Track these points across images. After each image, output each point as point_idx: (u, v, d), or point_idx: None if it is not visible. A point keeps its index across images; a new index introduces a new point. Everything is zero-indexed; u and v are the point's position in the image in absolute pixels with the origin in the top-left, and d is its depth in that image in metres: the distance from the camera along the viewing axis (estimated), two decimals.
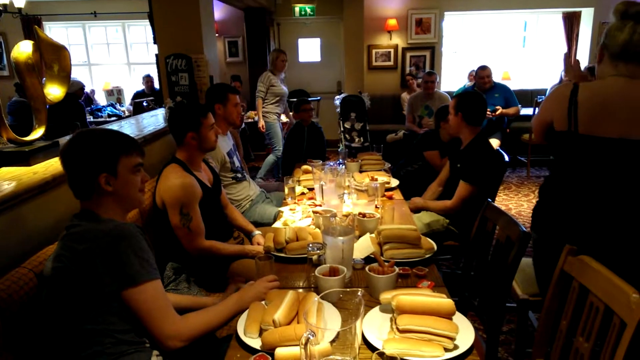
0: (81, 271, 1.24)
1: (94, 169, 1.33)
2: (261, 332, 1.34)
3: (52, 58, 2.05)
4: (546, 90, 6.85)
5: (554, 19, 7.69)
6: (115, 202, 1.38)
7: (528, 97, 6.70)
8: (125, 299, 1.25)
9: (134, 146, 1.42)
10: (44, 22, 8.01)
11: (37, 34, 1.99)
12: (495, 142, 4.86)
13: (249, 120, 6.41)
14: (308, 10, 6.73)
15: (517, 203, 4.92)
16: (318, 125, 4.45)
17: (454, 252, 2.86)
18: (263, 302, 1.50)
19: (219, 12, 7.58)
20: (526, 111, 5.86)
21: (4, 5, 5.83)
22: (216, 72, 4.16)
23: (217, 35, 6.91)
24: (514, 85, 6.39)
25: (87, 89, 7.78)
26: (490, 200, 2.12)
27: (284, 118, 5.46)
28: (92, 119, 6.66)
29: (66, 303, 1.26)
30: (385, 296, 1.44)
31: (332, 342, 1.20)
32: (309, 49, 8.14)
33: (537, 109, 5.77)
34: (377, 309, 1.48)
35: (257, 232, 2.48)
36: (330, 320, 1.36)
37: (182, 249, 2.16)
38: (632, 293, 1.16)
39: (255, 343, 1.32)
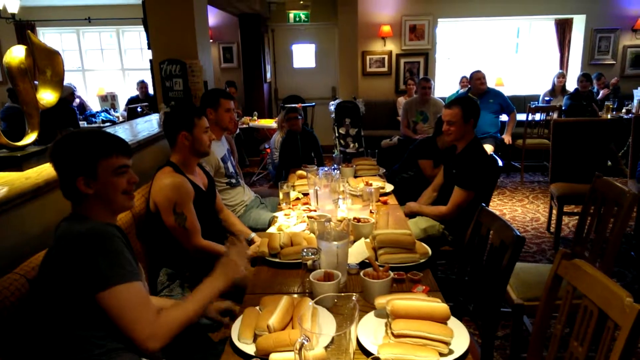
0: (57, 274, 1.24)
1: (72, 172, 1.32)
2: (255, 337, 1.33)
3: (45, 63, 2.04)
4: (539, 96, 6.91)
5: (546, 25, 7.77)
6: (99, 204, 1.36)
7: (521, 103, 6.74)
8: (99, 302, 1.23)
9: (116, 148, 1.38)
10: (37, 28, 7.98)
11: (30, 39, 1.99)
12: (489, 148, 4.88)
13: (244, 125, 6.41)
14: (302, 16, 6.75)
15: (511, 208, 4.93)
16: (310, 130, 4.46)
17: (448, 257, 2.86)
18: (257, 308, 1.49)
19: (214, 18, 7.59)
20: (519, 117, 5.91)
21: None
22: (211, 77, 4.16)
23: (211, 41, 6.91)
24: (507, 91, 6.43)
25: (82, 96, 7.76)
26: (484, 205, 2.12)
27: None
28: (86, 125, 6.64)
29: (48, 308, 1.26)
30: (380, 301, 1.44)
31: (326, 347, 1.19)
32: (304, 55, 8.16)
33: (529, 114, 5.82)
34: (371, 313, 1.47)
35: (253, 234, 2.47)
36: (325, 325, 1.35)
37: (176, 254, 2.14)
38: (626, 297, 1.16)
39: (250, 349, 1.31)
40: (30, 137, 2.01)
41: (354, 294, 1.25)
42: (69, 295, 1.23)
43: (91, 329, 1.26)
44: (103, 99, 7.67)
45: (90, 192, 1.33)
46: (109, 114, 7.18)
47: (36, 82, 2.14)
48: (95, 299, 1.22)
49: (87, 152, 1.34)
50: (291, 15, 6.77)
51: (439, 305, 1.36)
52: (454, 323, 1.37)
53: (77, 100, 7.23)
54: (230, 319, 1.70)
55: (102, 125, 6.65)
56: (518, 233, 1.73)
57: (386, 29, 7.45)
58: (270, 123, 6.41)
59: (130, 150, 1.43)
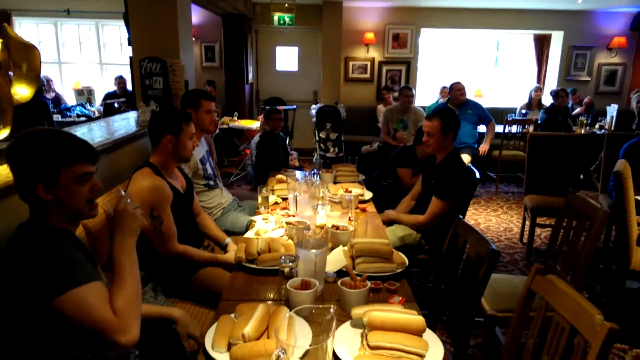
0: (10, 285, 1.18)
1: (32, 178, 1.25)
2: (230, 346, 1.32)
3: (21, 57, 1.98)
4: (516, 109, 7.06)
5: (525, 40, 7.95)
6: (58, 210, 1.29)
7: (499, 115, 6.87)
8: (58, 309, 1.17)
9: (81, 156, 1.30)
10: (13, 17, 7.76)
11: (7, 33, 1.93)
12: (466, 158, 4.96)
13: (224, 126, 6.35)
14: (287, 19, 6.73)
15: (485, 218, 5.01)
16: (281, 135, 4.46)
17: (424, 266, 2.89)
18: (232, 315, 1.47)
19: (197, 16, 7.51)
20: (496, 129, 6.01)
21: None
22: (192, 77, 4.11)
23: (193, 39, 6.84)
24: (485, 103, 6.54)
25: (57, 90, 7.56)
26: (461, 216, 2.15)
27: None
28: (60, 119, 6.47)
29: (6, 318, 1.21)
30: (356, 311, 1.44)
31: (302, 357, 1.18)
32: (287, 58, 8.15)
33: (506, 126, 5.94)
34: (348, 324, 1.47)
35: (228, 239, 2.44)
36: (301, 335, 1.34)
37: (149, 257, 2.10)
38: (597, 314, 1.19)
39: (224, 358, 1.29)
40: (3, 133, 1.94)
41: (332, 305, 1.24)
42: (24, 305, 1.18)
43: (55, 339, 1.21)
44: (79, 92, 7.49)
45: (49, 198, 1.27)
46: (85, 108, 7.02)
47: (11, 73, 2.08)
48: (54, 306, 1.16)
49: (49, 159, 1.26)
50: (275, 18, 6.73)
51: (415, 318, 1.36)
52: (429, 335, 1.38)
53: (53, 93, 7.06)
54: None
55: (76, 119, 6.49)
56: (494, 247, 1.75)
57: (370, 36, 7.51)
58: (251, 124, 6.38)
59: (96, 156, 1.35)
